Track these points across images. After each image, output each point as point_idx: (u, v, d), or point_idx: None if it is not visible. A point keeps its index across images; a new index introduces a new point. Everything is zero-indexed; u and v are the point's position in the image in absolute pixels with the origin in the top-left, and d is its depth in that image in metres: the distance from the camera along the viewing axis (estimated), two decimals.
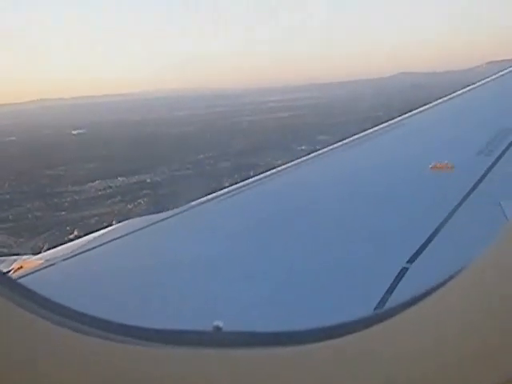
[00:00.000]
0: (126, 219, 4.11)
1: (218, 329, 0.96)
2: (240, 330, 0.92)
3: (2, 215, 26.33)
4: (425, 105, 7.80)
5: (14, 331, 0.82)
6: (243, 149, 39.59)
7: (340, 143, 5.86)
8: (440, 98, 8.07)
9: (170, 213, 3.78)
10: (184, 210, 3.83)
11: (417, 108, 7.58)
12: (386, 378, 0.77)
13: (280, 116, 70.38)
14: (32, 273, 2.85)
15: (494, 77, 9.43)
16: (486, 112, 6.81)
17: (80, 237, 3.54)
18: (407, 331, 0.81)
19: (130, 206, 26.46)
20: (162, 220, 3.60)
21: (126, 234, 3.33)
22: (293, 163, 5.08)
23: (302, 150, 30.43)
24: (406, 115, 7.14)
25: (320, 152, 5.51)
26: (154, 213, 3.91)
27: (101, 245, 3.18)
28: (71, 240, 3.53)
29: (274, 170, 4.87)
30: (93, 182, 33.80)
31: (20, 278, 2.75)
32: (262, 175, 4.70)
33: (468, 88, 8.60)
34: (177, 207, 3.99)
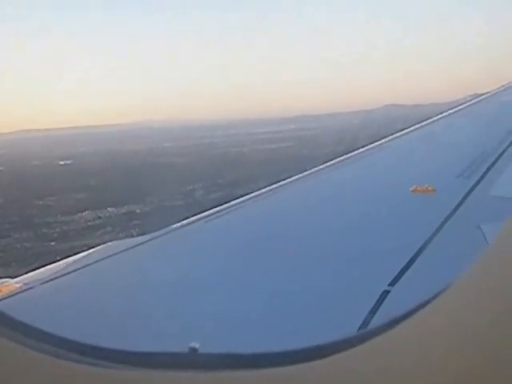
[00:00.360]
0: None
1: (193, 350, 0.93)
2: (217, 351, 0.88)
3: None
4: (405, 129, 7.67)
5: None
6: (233, 179, 39.64)
7: (319, 167, 5.70)
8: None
9: (151, 235, 3.69)
10: (166, 232, 3.76)
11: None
12: None
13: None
14: (9, 296, 2.72)
15: (473, 102, 9.49)
16: (465, 136, 6.74)
17: (59, 260, 3.45)
18: (391, 351, 0.79)
19: (121, 235, 26.29)
20: (143, 243, 3.53)
21: (107, 257, 3.26)
22: (270, 187, 4.96)
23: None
24: (386, 139, 7.01)
25: (298, 176, 5.37)
26: (135, 236, 3.71)
27: (80, 268, 3.11)
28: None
29: (253, 194, 4.77)
30: (82, 212, 33.61)
31: None
32: (242, 198, 4.61)
33: (448, 113, 8.56)
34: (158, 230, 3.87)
